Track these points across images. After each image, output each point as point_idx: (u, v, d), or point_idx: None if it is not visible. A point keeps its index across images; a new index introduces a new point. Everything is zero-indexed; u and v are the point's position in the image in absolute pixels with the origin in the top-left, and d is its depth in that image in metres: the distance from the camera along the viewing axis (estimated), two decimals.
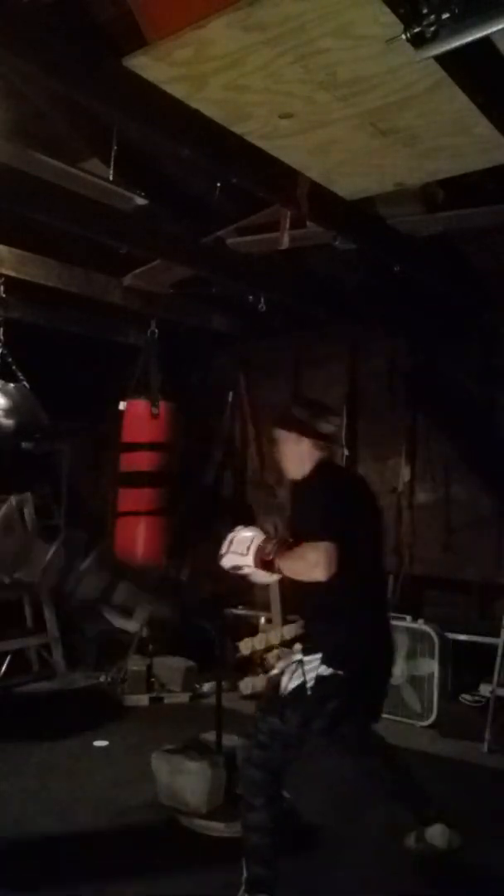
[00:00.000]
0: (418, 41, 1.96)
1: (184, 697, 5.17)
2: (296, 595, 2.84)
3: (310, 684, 2.64)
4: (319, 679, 2.64)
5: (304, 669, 2.66)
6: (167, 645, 5.61)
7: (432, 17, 1.91)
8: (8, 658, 5.43)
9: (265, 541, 2.78)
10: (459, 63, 2.23)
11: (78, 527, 6.65)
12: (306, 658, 2.68)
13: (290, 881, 2.93)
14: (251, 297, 4.85)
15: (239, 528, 2.89)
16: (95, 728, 4.51)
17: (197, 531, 6.38)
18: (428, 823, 3.08)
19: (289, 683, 2.69)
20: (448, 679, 4.81)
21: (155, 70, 2.29)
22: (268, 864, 2.65)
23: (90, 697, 5.26)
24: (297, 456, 2.92)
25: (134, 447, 5.35)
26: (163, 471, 5.34)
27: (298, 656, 2.73)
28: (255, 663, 5.38)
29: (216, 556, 2.88)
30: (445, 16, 1.89)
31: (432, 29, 1.92)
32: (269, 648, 5.34)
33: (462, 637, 4.92)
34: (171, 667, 5.29)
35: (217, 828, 3.22)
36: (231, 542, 2.83)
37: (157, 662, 5.33)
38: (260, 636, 5.40)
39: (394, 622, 4.85)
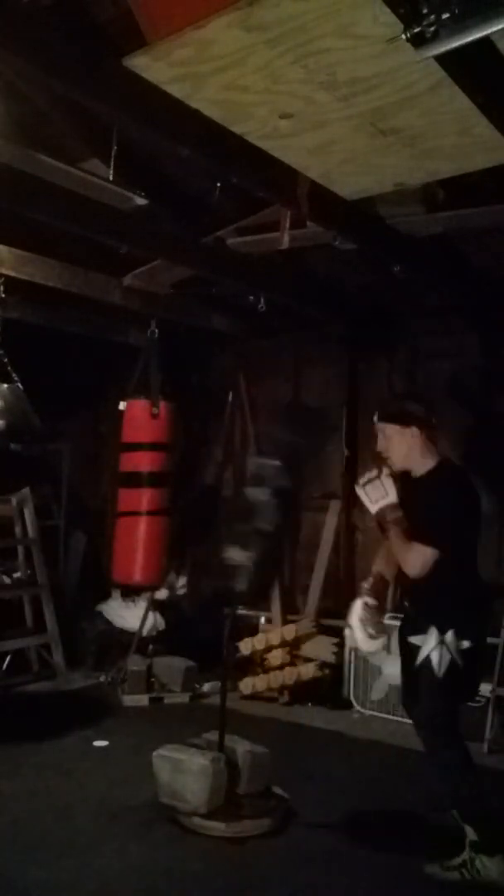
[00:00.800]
0: (418, 41, 1.96)
1: (184, 697, 5.17)
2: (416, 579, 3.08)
3: (459, 659, 2.93)
4: (463, 653, 2.94)
5: (447, 647, 2.94)
6: (167, 645, 5.61)
7: (432, 17, 1.90)
8: (8, 658, 5.43)
9: (394, 506, 3.04)
10: (459, 63, 2.22)
11: (78, 527, 6.66)
12: (446, 637, 2.94)
13: (292, 880, 2.94)
14: (251, 297, 4.85)
15: (386, 472, 3.12)
16: (95, 728, 4.51)
17: (197, 531, 6.39)
18: (486, 851, 2.90)
19: (440, 663, 2.94)
20: None
21: (155, 70, 2.29)
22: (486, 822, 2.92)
23: (90, 697, 5.26)
24: (410, 449, 3.14)
25: (134, 447, 5.36)
26: (163, 471, 5.35)
27: (435, 636, 2.95)
28: (254, 663, 5.38)
29: (218, 553, 3.06)
30: (445, 16, 1.89)
31: (432, 29, 1.92)
32: (269, 648, 5.34)
33: None
34: (171, 667, 5.28)
35: (217, 828, 3.22)
36: (373, 479, 3.09)
37: (157, 662, 5.33)
38: (260, 636, 5.40)
39: (394, 622, 4.87)
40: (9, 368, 4.75)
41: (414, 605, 3.17)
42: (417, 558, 2.94)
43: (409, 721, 4.64)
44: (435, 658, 2.94)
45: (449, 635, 2.94)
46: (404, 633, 3.15)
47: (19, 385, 4.77)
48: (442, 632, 2.95)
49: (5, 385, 4.73)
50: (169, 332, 5.42)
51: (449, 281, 4.76)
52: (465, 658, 2.95)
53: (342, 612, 5.54)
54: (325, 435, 5.97)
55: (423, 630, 3.01)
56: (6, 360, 4.75)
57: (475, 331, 5.31)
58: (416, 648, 3.01)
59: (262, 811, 3.33)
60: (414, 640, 3.05)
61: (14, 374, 4.77)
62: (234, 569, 3.28)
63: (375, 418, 3.25)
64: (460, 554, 3.04)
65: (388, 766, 4.14)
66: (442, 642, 2.94)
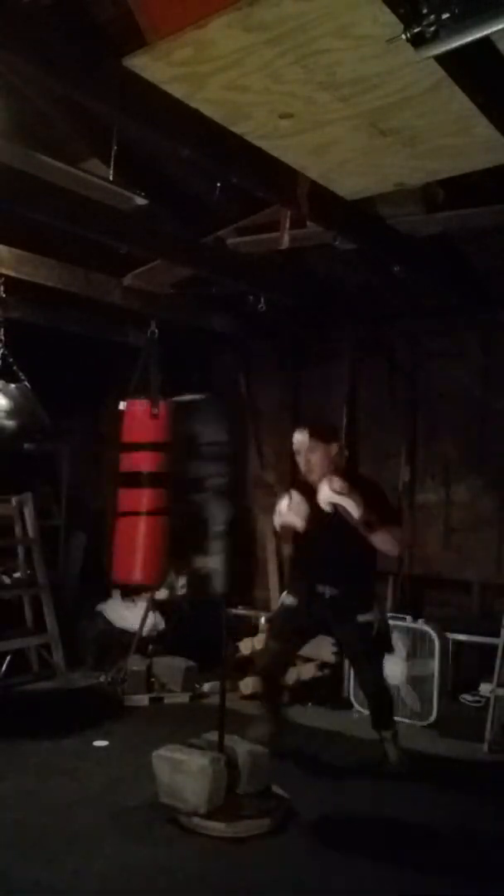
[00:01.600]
0: (418, 41, 1.96)
1: (184, 697, 5.17)
2: (337, 564, 3.84)
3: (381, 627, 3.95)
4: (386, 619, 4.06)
5: (382, 619, 3.96)
6: (167, 645, 5.61)
7: (432, 17, 1.90)
8: (8, 658, 5.43)
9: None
10: (459, 63, 2.23)
11: (78, 527, 6.66)
12: (385, 611, 4.08)
13: (292, 880, 2.94)
14: (251, 297, 4.84)
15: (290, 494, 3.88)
16: (95, 728, 4.51)
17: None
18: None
19: (387, 631, 4.08)
20: (448, 679, 4.81)
21: (155, 70, 2.29)
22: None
23: (90, 697, 5.25)
24: (329, 461, 3.82)
25: (134, 447, 5.35)
26: (163, 471, 5.34)
27: (378, 611, 3.92)
28: (255, 663, 5.38)
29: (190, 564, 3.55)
30: (445, 16, 1.89)
31: (432, 29, 1.92)
32: None
33: (462, 637, 4.91)
34: (171, 667, 5.28)
35: (217, 828, 3.22)
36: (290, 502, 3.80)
37: (157, 662, 5.33)
38: (260, 636, 5.40)
39: (394, 622, 4.88)
40: (15, 368, 4.73)
41: (350, 589, 3.86)
42: (398, 533, 3.86)
43: (409, 720, 4.69)
44: (383, 628, 3.93)
45: (385, 609, 3.98)
46: (342, 614, 3.88)
47: (27, 384, 4.75)
48: (381, 607, 3.98)
49: (13, 385, 4.70)
50: (169, 332, 5.42)
51: (449, 281, 4.76)
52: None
53: None
54: None
55: (368, 608, 3.84)
56: (11, 359, 4.73)
57: (475, 331, 5.31)
58: (368, 625, 3.81)
59: (262, 811, 3.32)
60: (364, 618, 3.83)
61: (21, 374, 4.76)
62: (207, 575, 3.61)
63: (304, 437, 3.85)
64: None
65: (388, 766, 4.13)
66: (382, 613, 3.96)
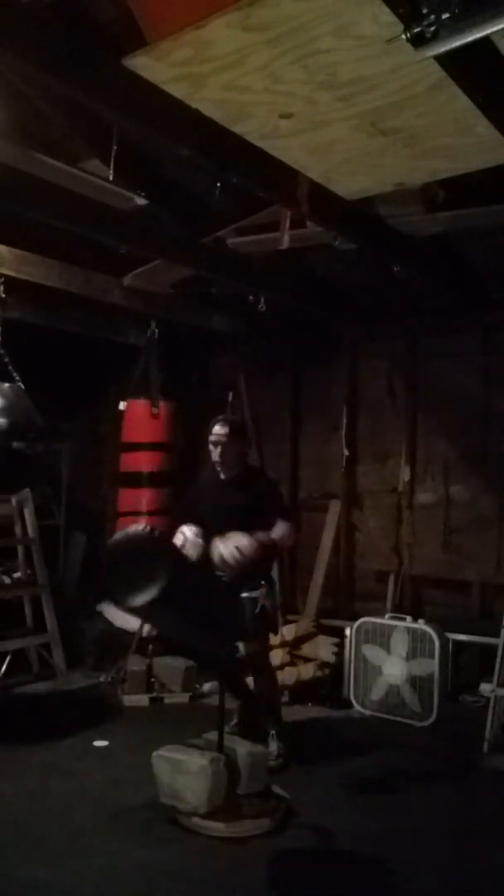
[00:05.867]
0: (418, 41, 1.96)
1: (184, 697, 5.17)
2: None
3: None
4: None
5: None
6: (167, 645, 5.60)
7: (432, 17, 1.90)
8: (8, 658, 5.43)
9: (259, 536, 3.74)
10: (459, 63, 2.23)
11: (78, 527, 6.67)
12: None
13: (292, 880, 2.94)
14: (251, 297, 4.85)
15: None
16: (95, 728, 4.51)
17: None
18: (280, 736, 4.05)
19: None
20: (448, 679, 4.81)
21: (155, 70, 2.29)
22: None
23: (90, 697, 5.25)
24: (241, 456, 4.08)
25: (134, 447, 5.35)
26: (163, 471, 5.34)
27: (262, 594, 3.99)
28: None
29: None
30: (445, 16, 1.89)
31: (432, 29, 1.92)
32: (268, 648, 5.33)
33: (462, 637, 4.92)
34: (171, 667, 5.28)
35: (217, 828, 3.22)
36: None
37: (157, 662, 5.32)
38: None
39: (394, 622, 4.88)
40: (10, 367, 4.75)
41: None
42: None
43: (409, 720, 4.69)
44: (268, 604, 4.00)
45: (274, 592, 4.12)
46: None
47: (20, 384, 4.77)
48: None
49: (6, 385, 4.72)
50: (169, 332, 5.42)
51: (449, 281, 4.76)
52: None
53: (342, 612, 5.57)
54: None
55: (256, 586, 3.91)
56: (7, 359, 4.75)
57: (475, 331, 5.31)
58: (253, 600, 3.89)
59: (261, 811, 3.33)
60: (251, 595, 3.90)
61: (15, 374, 4.77)
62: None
63: (225, 430, 3.96)
64: None
65: (388, 765, 4.14)
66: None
